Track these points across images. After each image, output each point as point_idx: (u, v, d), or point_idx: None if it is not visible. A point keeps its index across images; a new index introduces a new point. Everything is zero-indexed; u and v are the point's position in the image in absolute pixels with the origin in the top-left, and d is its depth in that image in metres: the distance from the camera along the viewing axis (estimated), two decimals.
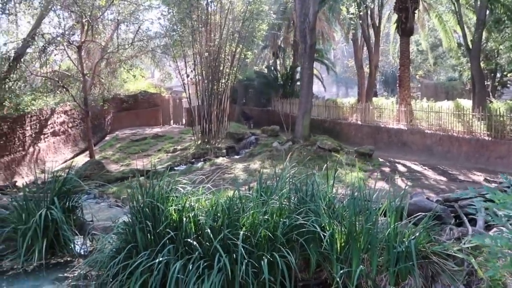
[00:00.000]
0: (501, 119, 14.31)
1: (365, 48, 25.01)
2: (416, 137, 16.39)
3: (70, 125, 18.05)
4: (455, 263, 4.98)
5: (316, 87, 27.02)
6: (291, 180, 6.01)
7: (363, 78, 24.74)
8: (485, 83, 18.65)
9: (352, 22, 22.16)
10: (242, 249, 4.22)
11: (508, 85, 23.46)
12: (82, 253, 5.78)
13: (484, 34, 17.70)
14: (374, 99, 22.96)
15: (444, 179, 11.54)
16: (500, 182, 8.28)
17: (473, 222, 5.53)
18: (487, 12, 16.71)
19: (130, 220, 4.81)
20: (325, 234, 4.96)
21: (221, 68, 18.03)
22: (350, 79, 45.72)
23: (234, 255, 4.33)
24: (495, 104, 16.53)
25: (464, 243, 4.77)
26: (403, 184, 10.47)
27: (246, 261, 4.26)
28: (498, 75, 22.21)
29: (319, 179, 6.22)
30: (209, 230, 4.54)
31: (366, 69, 25.13)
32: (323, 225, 5.16)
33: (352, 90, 48.76)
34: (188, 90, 18.63)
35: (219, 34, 17.52)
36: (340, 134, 19.52)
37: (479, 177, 11.50)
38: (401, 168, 13.42)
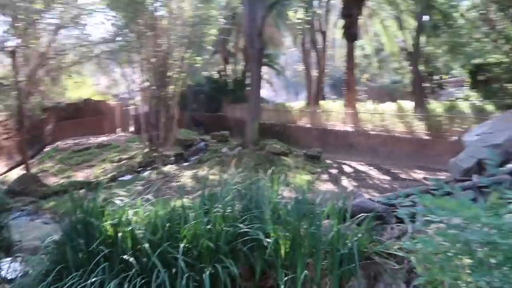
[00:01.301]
0: (438, 119, 15.16)
1: (313, 52, 25.60)
2: (362, 138, 16.94)
3: (5, 136, 16.81)
4: (396, 261, 5.10)
5: (267, 92, 27.26)
6: (236, 186, 5.90)
7: (311, 82, 25.29)
8: (424, 85, 19.72)
9: (300, 27, 22.62)
10: (182, 262, 4.03)
11: (445, 87, 24.96)
12: (9, 277, 5.29)
13: (423, 39, 18.73)
14: (322, 102, 23.53)
15: (387, 178, 11.99)
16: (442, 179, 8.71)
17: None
18: (426, 18, 17.70)
19: (61, 238, 4.46)
20: (270, 240, 4.89)
21: (170, 74, 17.64)
22: (299, 83, 46.64)
23: (174, 270, 4.13)
24: (433, 105, 17.52)
25: (403, 243, 4.88)
26: (349, 185, 10.74)
27: (187, 275, 4.06)
28: (437, 77, 23.59)
29: (266, 184, 6.16)
30: (147, 245, 4.30)
31: (315, 74, 25.72)
32: (267, 231, 5.08)
33: (301, 94, 49.78)
34: (135, 96, 18.04)
35: (167, 39, 17.14)
36: (289, 137, 19.76)
37: (419, 175, 12.06)
38: (347, 169, 13.78)
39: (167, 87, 17.54)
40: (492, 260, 1.46)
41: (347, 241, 5.22)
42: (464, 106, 16.38)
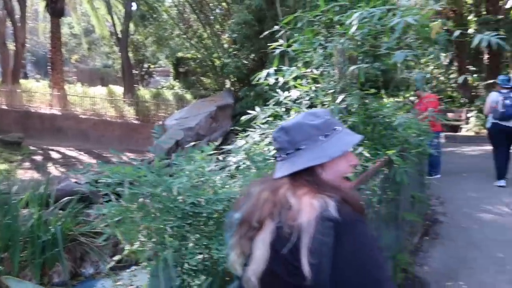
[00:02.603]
0: (146, 104, 16.33)
1: (10, 23, 21.82)
2: (71, 122, 16.10)
3: None
4: (105, 239, 5.35)
5: None
6: None
7: (8, 56, 21.61)
8: (134, 72, 20.61)
9: None
10: None
11: (154, 75, 26.91)
12: None
13: (133, 27, 19.39)
14: (23, 81, 20.61)
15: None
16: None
17: None
18: (135, 6, 18.34)
19: None
20: None
21: None
22: None
23: None
24: (142, 91, 18.66)
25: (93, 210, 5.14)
26: (56, 172, 10.11)
27: None
28: (146, 65, 25.05)
29: None
30: None
31: (12, 47, 22.08)
32: None
33: None
34: None
35: None
36: None
37: (129, 157, 12.72)
38: (55, 155, 12.87)
39: None
40: (154, 210, 1.92)
41: (50, 227, 5.06)
42: (168, 94, 18.29)
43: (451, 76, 15.53)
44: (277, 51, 3.25)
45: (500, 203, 5.23)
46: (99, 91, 18.49)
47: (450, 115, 12.54)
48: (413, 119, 3.99)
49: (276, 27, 3.64)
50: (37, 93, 17.32)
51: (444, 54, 16.28)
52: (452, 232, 4.38)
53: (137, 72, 22.71)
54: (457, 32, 2.62)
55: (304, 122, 1.05)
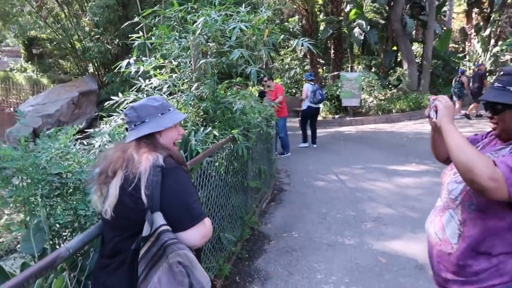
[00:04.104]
0: None
1: None
2: None
3: None
4: None
5: None
6: None
7: None
8: None
9: None
10: None
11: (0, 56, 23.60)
12: None
13: None
14: None
15: None
16: None
17: None
18: None
19: None
20: None
21: None
22: None
23: None
24: None
25: None
26: None
27: None
28: None
29: None
30: None
31: None
32: None
33: None
34: None
35: None
36: None
37: None
38: None
39: None
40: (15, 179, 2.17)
41: None
42: (20, 77, 16.43)
43: (306, 67, 17.58)
44: (136, 42, 3.59)
45: (330, 172, 6.52)
46: None
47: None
48: (259, 105, 4.77)
49: (136, 19, 3.96)
50: None
51: (299, 48, 18.30)
52: (293, 197, 5.39)
53: None
54: (281, 36, 3.37)
55: (147, 103, 1.55)
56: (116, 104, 3.69)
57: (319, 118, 13.78)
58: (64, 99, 10.43)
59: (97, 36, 10.75)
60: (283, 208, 5.01)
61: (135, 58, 3.56)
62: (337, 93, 12.50)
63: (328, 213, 4.70)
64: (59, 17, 14.25)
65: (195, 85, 3.55)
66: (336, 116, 12.73)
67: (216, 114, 3.53)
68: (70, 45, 13.99)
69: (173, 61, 3.80)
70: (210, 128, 3.18)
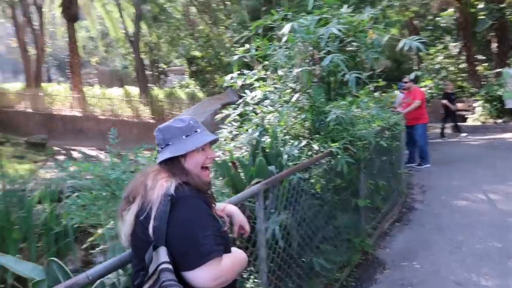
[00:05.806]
0: (160, 104, 16.94)
1: (29, 29, 22.91)
2: (91, 123, 16.91)
3: None
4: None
5: None
6: None
7: (29, 61, 22.73)
8: (147, 72, 21.27)
9: None
10: None
11: (169, 75, 27.59)
12: None
13: (146, 28, 20.00)
14: (44, 85, 21.68)
15: (118, 161, 12.68)
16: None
17: None
18: (147, 8, 18.92)
19: None
20: None
21: None
22: (17, 62, 40.49)
23: None
24: (156, 91, 19.31)
25: None
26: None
27: None
28: (162, 65, 25.72)
29: None
30: None
31: (34, 52, 23.18)
32: None
33: (22, 74, 43.38)
34: None
35: None
36: (9, 124, 17.43)
37: (147, 155, 13.33)
38: (76, 155, 13.63)
39: None
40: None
41: (61, 220, 5.63)
42: (181, 93, 18.86)
43: (461, 66, 15.39)
44: (235, 57, 3.64)
45: (478, 190, 5.44)
46: (116, 92, 19.24)
47: (460, 105, 12.43)
48: (381, 113, 4.26)
49: (245, 32, 4.02)
50: (58, 96, 18.21)
51: (453, 44, 16.15)
52: (424, 218, 4.67)
53: (150, 72, 23.35)
54: (386, 37, 2.92)
55: (172, 125, 1.45)
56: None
57: (478, 123, 11.88)
58: (209, 111, 11.49)
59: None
60: (409, 230, 4.38)
61: (238, 72, 3.62)
62: (499, 93, 10.53)
63: (465, 242, 3.89)
64: (208, 37, 15.86)
65: (296, 95, 3.38)
66: (499, 121, 10.73)
67: (318, 126, 3.29)
68: (218, 61, 15.41)
69: (278, 71, 3.72)
70: (305, 142, 2.97)
